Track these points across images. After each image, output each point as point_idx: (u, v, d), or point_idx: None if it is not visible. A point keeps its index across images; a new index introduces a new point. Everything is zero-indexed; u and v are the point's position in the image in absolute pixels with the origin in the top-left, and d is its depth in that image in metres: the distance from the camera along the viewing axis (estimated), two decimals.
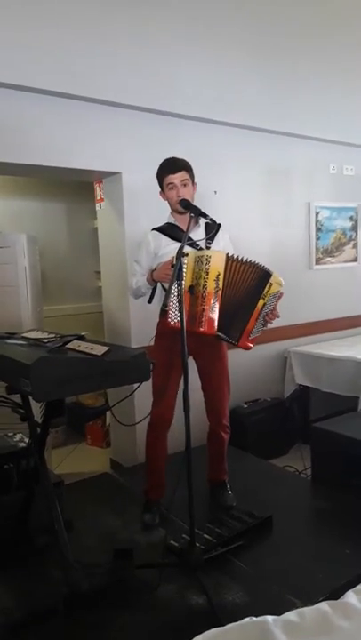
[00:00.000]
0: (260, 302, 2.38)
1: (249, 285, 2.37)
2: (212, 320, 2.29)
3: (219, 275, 2.28)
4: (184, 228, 2.46)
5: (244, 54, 3.54)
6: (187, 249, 2.25)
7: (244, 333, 2.39)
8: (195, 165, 2.55)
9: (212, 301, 2.28)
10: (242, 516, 2.54)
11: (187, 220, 2.42)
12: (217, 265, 2.28)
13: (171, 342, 2.41)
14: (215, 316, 2.29)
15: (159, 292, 2.58)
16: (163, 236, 2.56)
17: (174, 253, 2.33)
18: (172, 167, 2.48)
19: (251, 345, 2.43)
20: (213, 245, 2.52)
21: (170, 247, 2.49)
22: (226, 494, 2.77)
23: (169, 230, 2.57)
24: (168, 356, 2.42)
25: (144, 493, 2.69)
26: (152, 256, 2.57)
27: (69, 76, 2.84)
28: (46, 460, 2.57)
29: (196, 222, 2.53)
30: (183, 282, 2.16)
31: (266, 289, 2.38)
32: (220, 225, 2.50)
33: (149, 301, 2.62)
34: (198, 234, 2.50)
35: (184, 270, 2.21)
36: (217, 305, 2.28)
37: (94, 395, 4.21)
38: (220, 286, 2.29)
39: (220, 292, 2.28)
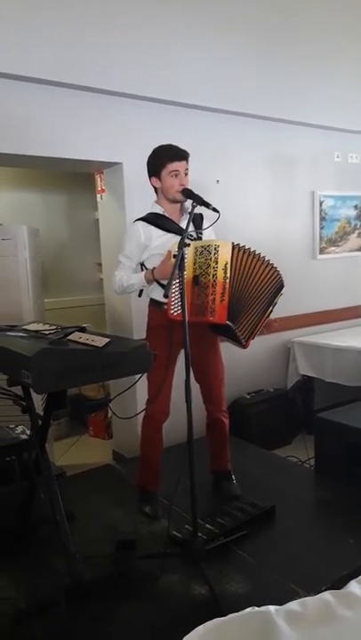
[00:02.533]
0: (270, 309, 2.42)
1: (259, 284, 2.38)
2: (223, 309, 2.29)
3: (227, 264, 2.28)
4: (173, 218, 2.45)
5: (246, 42, 3.49)
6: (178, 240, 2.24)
7: (252, 335, 2.41)
8: (197, 154, 2.53)
9: (222, 290, 2.27)
10: (245, 506, 2.53)
11: (177, 209, 2.40)
12: (225, 254, 2.28)
13: (168, 335, 2.39)
14: (225, 304, 2.29)
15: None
16: (152, 227, 2.49)
17: (168, 245, 2.35)
18: (177, 154, 2.43)
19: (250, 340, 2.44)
20: (203, 236, 2.51)
21: (163, 238, 2.46)
22: (231, 484, 2.76)
23: (158, 220, 2.49)
24: (167, 351, 2.39)
25: (139, 486, 2.68)
26: (142, 248, 2.50)
27: (69, 66, 2.81)
28: (49, 451, 2.58)
29: (183, 212, 2.50)
30: (185, 272, 2.15)
31: (278, 298, 2.42)
32: (201, 214, 2.49)
33: (140, 295, 2.59)
34: (185, 224, 2.45)
35: (185, 261, 2.20)
36: (226, 294, 2.28)
37: (96, 386, 4.21)
38: (229, 276, 2.29)
39: (228, 282, 2.28)
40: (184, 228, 2.33)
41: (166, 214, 2.51)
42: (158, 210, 2.53)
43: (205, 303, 2.27)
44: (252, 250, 2.36)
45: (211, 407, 2.72)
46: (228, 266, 2.28)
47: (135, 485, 2.72)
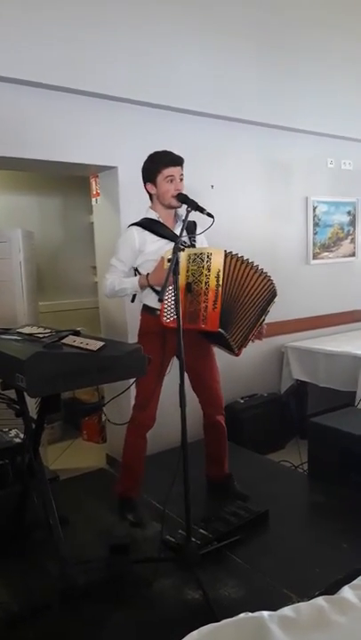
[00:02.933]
0: (263, 318, 2.43)
1: (252, 292, 2.39)
2: (215, 316, 2.29)
3: (219, 272, 2.29)
4: (167, 224, 2.46)
5: (243, 48, 3.51)
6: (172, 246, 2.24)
7: (245, 344, 2.43)
8: (192, 159, 2.54)
9: (214, 298, 2.28)
10: (238, 510, 2.53)
11: (171, 215, 2.41)
12: (218, 262, 2.29)
13: (161, 342, 2.39)
14: (217, 312, 2.29)
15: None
16: (147, 232, 2.49)
17: (162, 251, 2.37)
18: (173, 160, 2.44)
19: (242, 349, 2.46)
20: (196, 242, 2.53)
21: (157, 244, 2.46)
22: (236, 486, 2.77)
23: (153, 226, 2.49)
24: (160, 358, 2.38)
25: (119, 494, 2.63)
26: (136, 253, 2.49)
27: (65, 70, 2.81)
28: (42, 455, 2.57)
29: (177, 219, 2.51)
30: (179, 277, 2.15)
31: (270, 306, 2.43)
32: (194, 221, 2.50)
33: (132, 300, 2.58)
34: (179, 230, 2.46)
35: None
36: (219, 302, 2.29)
37: (90, 390, 4.20)
38: (221, 283, 2.29)
39: (220, 290, 2.29)
40: (178, 234, 2.35)
41: (161, 220, 2.51)
42: (153, 215, 2.53)
43: (198, 310, 2.27)
44: (245, 258, 2.37)
45: (211, 410, 2.70)
46: (221, 274, 2.29)
47: (115, 493, 2.66)
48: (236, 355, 2.44)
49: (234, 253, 2.34)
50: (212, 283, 2.27)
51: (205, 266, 2.27)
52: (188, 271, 2.30)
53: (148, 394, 2.47)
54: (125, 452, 2.61)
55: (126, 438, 2.60)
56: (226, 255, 2.31)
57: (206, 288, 2.27)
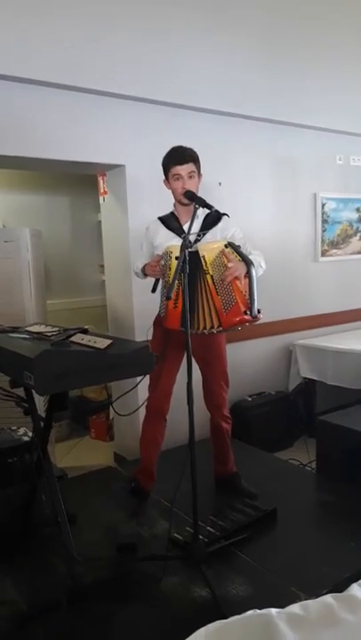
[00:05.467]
0: (209, 278, 2.35)
1: (192, 273, 2.30)
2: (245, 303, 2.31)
3: (178, 266, 2.23)
4: (186, 220, 2.46)
5: (250, 45, 3.50)
6: (178, 241, 2.30)
7: (219, 314, 2.35)
8: (200, 156, 2.52)
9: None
10: (246, 508, 2.53)
11: (190, 211, 2.39)
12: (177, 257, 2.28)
13: (164, 332, 2.48)
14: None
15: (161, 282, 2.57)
16: (162, 227, 2.57)
17: (164, 246, 2.44)
18: (179, 158, 2.43)
19: (238, 319, 2.32)
20: (209, 238, 2.48)
21: (162, 238, 2.53)
22: (244, 484, 2.78)
23: (168, 221, 2.58)
24: (162, 346, 2.48)
25: (133, 475, 2.76)
26: (150, 244, 2.62)
27: (72, 68, 2.82)
28: (50, 453, 2.58)
29: (196, 214, 2.50)
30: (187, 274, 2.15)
31: (204, 263, 2.35)
32: (219, 216, 2.49)
33: (153, 291, 2.61)
34: (197, 226, 2.47)
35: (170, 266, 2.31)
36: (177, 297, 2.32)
37: (98, 388, 4.21)
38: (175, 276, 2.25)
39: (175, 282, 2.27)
40: (193, 231, 2.35)
41: (176, 215, 2.57)
42: (174, 210, 2.60)
43: (236, 302, 2.29)
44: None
45: (213, 412, 2.74)
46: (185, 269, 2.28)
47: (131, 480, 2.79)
48: (225, 327, 2.37)
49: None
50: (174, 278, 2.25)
51: (225, 262, 2.32)
52: (213, 269, 2.35)
53: (154, 377, 2.55)
54: (140, 438, 2.74)
55: (141, 425, 2.72)
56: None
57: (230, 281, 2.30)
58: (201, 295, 2.37)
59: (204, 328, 2.39)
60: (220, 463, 2.84)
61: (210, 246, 2.37)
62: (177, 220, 2.55)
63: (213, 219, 2.50)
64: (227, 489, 2.80)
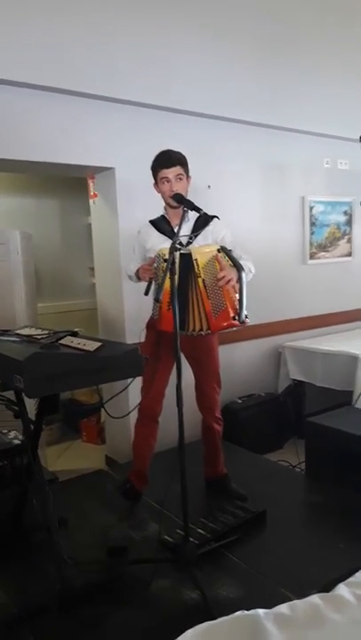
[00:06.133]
0: (200, 282, 2.36)
1: (184, 276, 2.35)
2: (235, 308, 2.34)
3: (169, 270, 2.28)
4: (177, 222, 2.46)
5: (241, 49, 3.52)
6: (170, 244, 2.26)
7: (208, 317, 2.38)
8: (189, 160, 2.53)
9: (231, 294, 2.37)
10: (236, 510, 2.54)
11: (180, 213, 2.42)
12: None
13: (157, 334, 2.49)
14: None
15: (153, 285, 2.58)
16: (153, 230, 2.59)
17: (156, 249, 2.45)
18: (166, 161, 2.46)
19: (225, 324, 2.36)
20: (200, 240, 2.51)
21: (154, 242, 2.55)
22: (233, 485, 2.80)
23: (159, 224, 2.59)
24: (155, 348, 2.50)
25: (127, 477, 2.77)
26: (142, 248, 2.64)
27: (62, 72, 2.82)
28: (41, 456, 2.57)
29: (186, 217, 2.51)
30: (175, 277, 2.17)
31: (196, 266, 2.36)
32: (207, 219, 2.51)
33: (145, 293, 2.59)
34: (188, 229, 2.50)
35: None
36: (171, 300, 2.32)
37: (89, 391, 4.20)
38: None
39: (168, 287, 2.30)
40: (183, 233, 2.38)
41: (167, 217, 2.59)
42: (165, 213, 2.62)
43: (226, 306, 2.33)
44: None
45: (205, 414, 2.75)
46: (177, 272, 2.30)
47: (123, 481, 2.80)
48: (213, 329, 2.42)
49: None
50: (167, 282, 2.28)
51: (218, 267, 2.35)
52: (205, 273, 2.37)
53: (146, 380, 2.57)
54: (133, 440, 2.77)
55: (134, 427, 2.74)
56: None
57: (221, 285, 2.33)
58: (192, 297, 2.39)
59: (194, 330, 2.41)
60: (210, 465, 2.85)
61: (203, 250, 2.38)
62: (168, 222, 2.57)
63: (204, 221, 2.52)
64: (217, 491, 2.81)
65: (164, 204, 2.59)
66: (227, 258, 2.34)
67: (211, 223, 2.53)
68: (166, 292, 2.25)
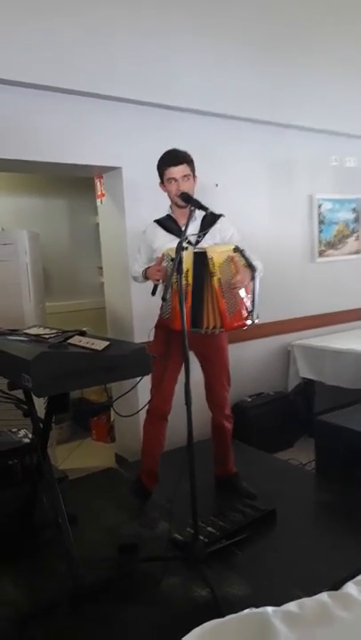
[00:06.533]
0: (215, 280, 2.37)
1: (199, 274, 2.38)
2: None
3: (187, 270, 2.35)
4: (183, 221, 2.46)
5: (246, 47, 3.51)
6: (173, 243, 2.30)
7: (223, 316, 2.39)
8: (196, 158, 2.53)
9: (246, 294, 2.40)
10: (246, 509, 2.54)
11: (186, 213, 2.41)
12: (187, 261, 2.34)
13: (167, 334, 2.48)
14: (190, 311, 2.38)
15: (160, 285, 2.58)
16: (160, 229, 2.58)
17: (164, 249, 2.43)
18: (172, 160, 2.45)
19: (238, 323, 2.41)
20: (208, 239, 2.52)
21: (162, 241, 2.53)
22: (244, 484, 2.79)
23: (166, 223, 2.58)
24: (164, 348, 2.48)
25: (138, 476, 2.77)
26: (149, 247, 2.62)
27: (68, 71, 2.83)
28: (51, 455, 2.59)
29: (193, 216, 2.50)
30: (183, 276, 2.17)
31: (211, 265, 2.36)
32: (214, 217, 2.51)
33: (153, 294, 2.57)
34: (195, 228, 2.50)
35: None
36: (191, 300, 2.38)
37: (99, 390, 4.22)
38: (189, 282, 2.37)
39: (188, 288, 2.37)
40: (191, 231, 2.38)
41: (174, 216, 2.58)
42: (171, 213, 2.61)
43: (240, 307, 2.38)
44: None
45: (214, 412, 2.75)
46: (191, 272, 2.38)
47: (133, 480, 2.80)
48: (227, 328, 2.46)
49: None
50: (183, 282, 2.31)
51: (233, 267, 2.36)
52: (220, 272, 2.37)
53: (156, 379, 2.55)
54: (142, 438, 2.75)
55: (143, 426, 2.72)
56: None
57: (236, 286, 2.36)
58: (207, 296, 2.40)
59: (207, 327, 2.42)
60: (220, 463, 2.85)
61: (218, 249, 2.40)
62: (175, 222, 2.57)
63: (210, 219, 2.52)
64: (227, 489, 2.81)
65: (169, 203, 2.59)
66: (242, 258, 2.36)
67: (218, 222, 2.53)
68: (176, 291, 2.25)
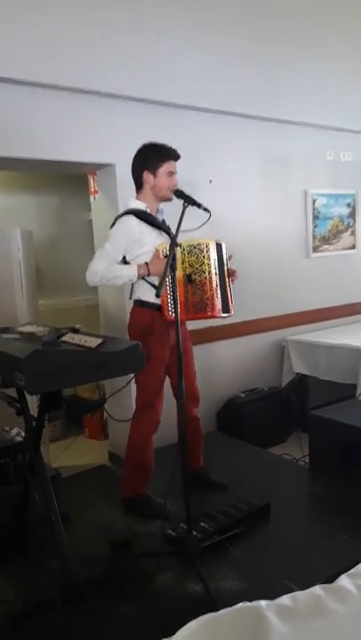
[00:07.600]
0: (226, 270, 2.55)
1: (220, 262, 2.52)
2: (218, 302, 2.47)
3: (215, 260, 2.46)
4: (155, 215, 2.53)
5: (239, 43, 3.49)
6: (167, 239, 2.36)
7: (229, 304, 2.56)
8: (189, 154, 2.55)
9: (215, 286, 2.45)
10: (239, 504, 2.54)
11: (155, 207, 2.51)
12: (213, 252, 2.46)
13: (162, 336, 2.44)
14: (220, 298, 2.48)
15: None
16: (143, 223, 2.47)
17: (156, 243, 2.46)
18: (175, 154, 2.50)
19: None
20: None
21: (153, 234, 2.49)
22: (211, 477, 2.78)
23: (146, 217, 2.48)
24: (164, 351, 2.47)
25: (134, 495, 2.60)
26: (132, 243, 2.45)
27: (60, 68, 2.81)
28: (44, 453, 2.59)
29: (158, 210, 2.58)
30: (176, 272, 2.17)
31: (226, 257, 2.56)
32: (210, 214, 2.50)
33: (157, 295, 2.32)
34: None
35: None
36: (219, 289, 2.47)
37: (92, 387, 4.21)
38: (217, 271, 2.47)
39: (217, 277, 2.46)
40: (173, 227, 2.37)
41: (148, 211, 2.52)
42: (141, 206, 2.52)
43: (206, 299, 2.42)
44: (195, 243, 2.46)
45: (188, 403, 2.56)
46: (216, 262, 2.46)
47: (124, 496, 2.65)
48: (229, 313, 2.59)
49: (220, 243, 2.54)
50: (213, 272, 2.44)
51: (206, 256, 2.42)
52: (184, 263, 2.42)
53: (156, 393, 2.47)
54: (133, 450, 2.56)
55: (132, 436, 2.56)
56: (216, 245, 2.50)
57: (210, 277, 2.42)
58: (228, 282, 2.59)
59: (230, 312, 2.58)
60: (195, 458, 2.74)
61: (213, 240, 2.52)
62: (151, 215, 2.51)
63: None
64: (195, 483, 2.61)
65: (135, 194, 2.56)
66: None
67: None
68: (214, 280, 2.44)
